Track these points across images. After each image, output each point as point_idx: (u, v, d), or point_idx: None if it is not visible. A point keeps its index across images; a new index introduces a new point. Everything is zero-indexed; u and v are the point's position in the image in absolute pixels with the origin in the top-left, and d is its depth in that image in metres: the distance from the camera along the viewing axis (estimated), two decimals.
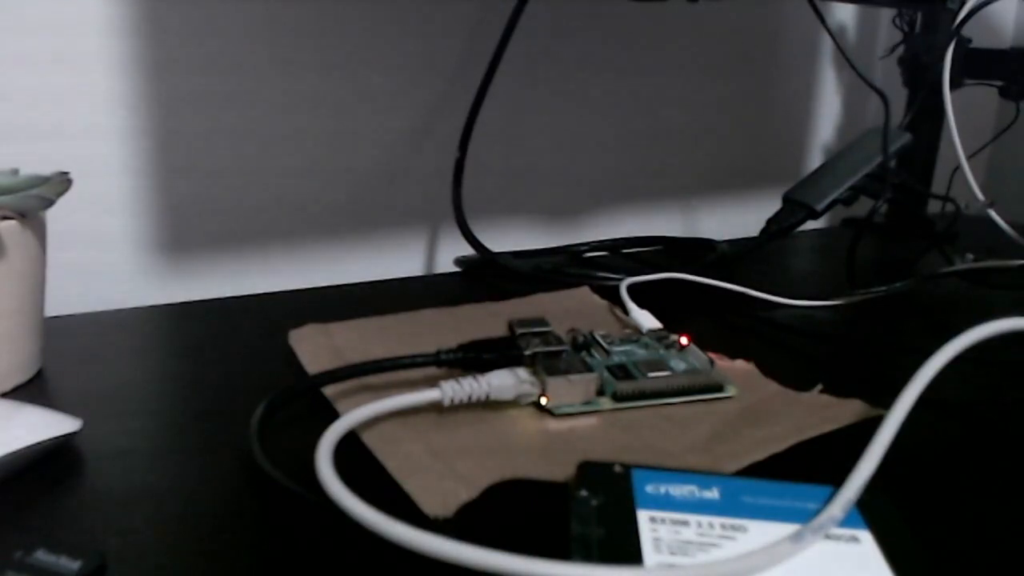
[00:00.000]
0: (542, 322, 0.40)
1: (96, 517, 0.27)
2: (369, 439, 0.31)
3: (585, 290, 0.50)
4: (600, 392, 0.35)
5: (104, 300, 0.49)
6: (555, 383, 0.34)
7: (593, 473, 0.27)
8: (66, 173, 0.38)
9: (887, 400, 0.30)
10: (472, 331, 0.41)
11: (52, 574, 0.22)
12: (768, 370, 0.38)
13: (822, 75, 0.79)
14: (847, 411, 0.34)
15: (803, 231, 0.60)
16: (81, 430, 0.31)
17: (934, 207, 0.72)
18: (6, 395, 0.36)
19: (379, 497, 0.26)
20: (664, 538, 0.24)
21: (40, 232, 0.37)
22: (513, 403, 0.34)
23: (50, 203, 0.36)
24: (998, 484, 0.30)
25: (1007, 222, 0.62)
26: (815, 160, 0.80)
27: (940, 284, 0.54)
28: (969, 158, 0.63)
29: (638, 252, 0.63)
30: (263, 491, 0.28)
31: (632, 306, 0.44)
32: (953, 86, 0.64)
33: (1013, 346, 0.37)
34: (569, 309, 0.47)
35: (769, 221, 0.59)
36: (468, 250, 0.57)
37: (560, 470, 0.29)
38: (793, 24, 0.75)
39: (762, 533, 0.24)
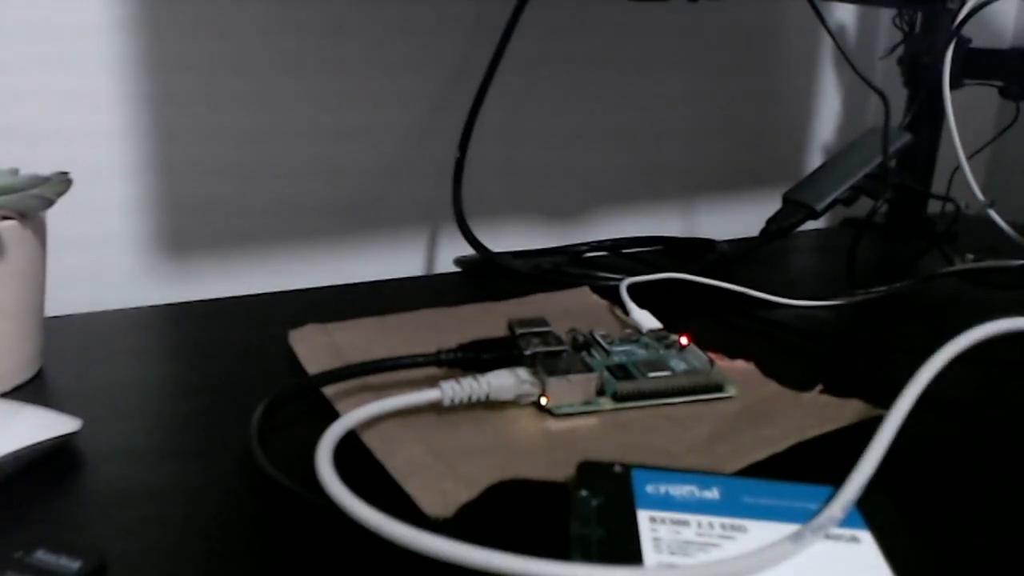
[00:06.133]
0: (542, 322, 0.40)
1: (96, 517, 0.27)
2: (369, 439, 0.31)
3: (585, 290, 0.50)
4: (600, 392, 0.35)
5: (104, 300, 0.49)
6: (555, 383, 0.34)
7: (593, 473, 0.27)
8: (66, 173, 0.38)
9: (887, 400, 0.30)
10: (472, 331, 0.41)
11: (52, 574, 0.22)
12: (768, 370, 0.38)
13: (822, 75, 0.79)
14: (847, 411, 0.34)
15: (803, 231, 0.60)
16: (81, 430, 0.31)
17: (934, 207, 0.72)
18: (6, 395, 0.36)
19: (379, 497, 0.26)
20: (664, 538, 0.24)
21: (40, 232, 0.37)
22: (513, 403, 0.34)
23: (50, 203, 0.36)
24: (998, 484, 0.30)
25: (1007, 222, 0.62)
26: (815, 160, 0.80)
27: (940, 284, 0.54)
28: (969, 158, 0.63)
29: (638, 252, 0.63)
30: (263, 491, 0.28)
31: (632, 306, 0.44)
32: (953, 86, 0.64)
33: (1013, 346, 0.37)
34: (569, 309, 0.47)
35: (769, 221, 0.59)
36: (468, 250, 0.57)
37: (560, 470, 0.29)
38: (793, 24, 0.75)
39: (762, 533, 0.24)
